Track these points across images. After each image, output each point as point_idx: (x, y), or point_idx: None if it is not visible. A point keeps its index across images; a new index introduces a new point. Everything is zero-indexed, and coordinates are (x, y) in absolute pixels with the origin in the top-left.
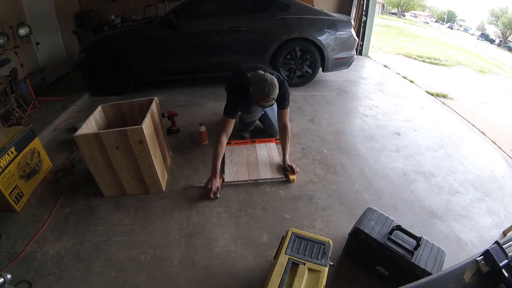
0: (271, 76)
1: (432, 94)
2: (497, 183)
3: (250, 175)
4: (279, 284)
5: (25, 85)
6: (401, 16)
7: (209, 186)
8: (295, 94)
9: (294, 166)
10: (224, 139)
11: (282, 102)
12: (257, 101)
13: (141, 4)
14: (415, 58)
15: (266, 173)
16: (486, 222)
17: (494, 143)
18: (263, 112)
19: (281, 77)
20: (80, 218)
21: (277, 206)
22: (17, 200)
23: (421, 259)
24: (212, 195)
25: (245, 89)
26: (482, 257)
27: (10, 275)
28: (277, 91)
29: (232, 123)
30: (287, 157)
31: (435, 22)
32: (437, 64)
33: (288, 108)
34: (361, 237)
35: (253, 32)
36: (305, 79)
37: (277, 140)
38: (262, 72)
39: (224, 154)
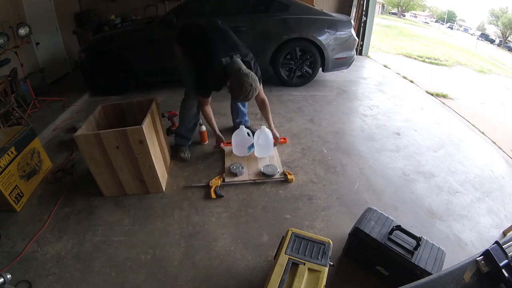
0: (253, 75)
1: (432, 94)
2: (497, 183)
3: (250, 175)
4: (279, 284)
5: (25, 85)
6: (401, 16)
7: (218, 142)
8: (295, 94)
9: (278, 135)
10: (208, 108)
11: None
12: (234, 96)
13: (141, 4)
14: (415, 58)
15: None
16: (486, 222)
17: (494, 143)
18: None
19: (253, 58)
20: (80, 218)
21: (277, 206)
22: (17, 200)
23: (421, 259)
24: (222, 145)
25: (219, 77)
26: (482, 257)
27: (10, 275)
28: (257, 91)
29: (209, 99)
30: (272, 125)
31: (435, 22)
32: (437, 64)
33: (261, 84)
34: (361, 237)
35: (253, 32)
36: (305, 79)
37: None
38: (240, 67)
39: (224, 154)
